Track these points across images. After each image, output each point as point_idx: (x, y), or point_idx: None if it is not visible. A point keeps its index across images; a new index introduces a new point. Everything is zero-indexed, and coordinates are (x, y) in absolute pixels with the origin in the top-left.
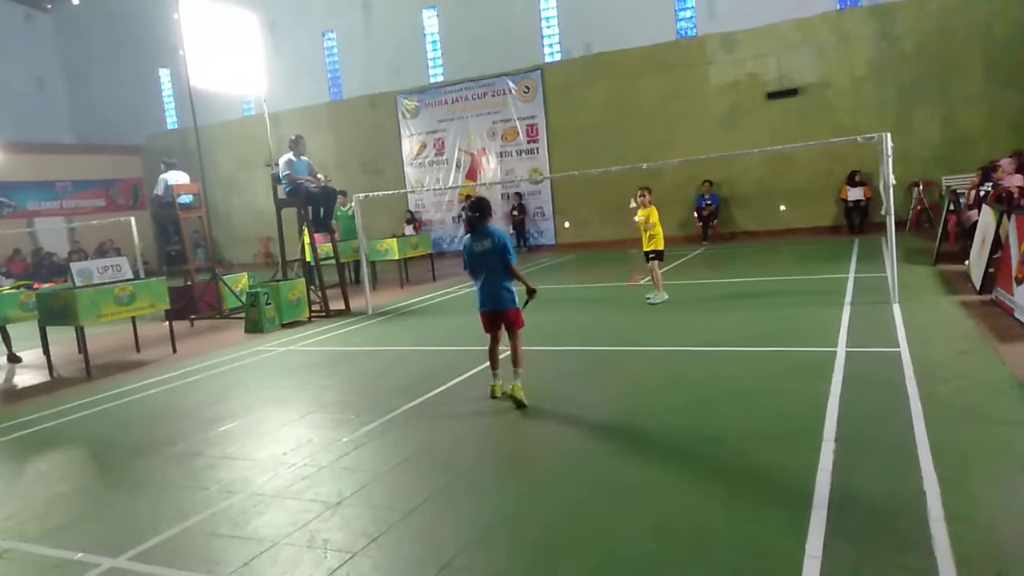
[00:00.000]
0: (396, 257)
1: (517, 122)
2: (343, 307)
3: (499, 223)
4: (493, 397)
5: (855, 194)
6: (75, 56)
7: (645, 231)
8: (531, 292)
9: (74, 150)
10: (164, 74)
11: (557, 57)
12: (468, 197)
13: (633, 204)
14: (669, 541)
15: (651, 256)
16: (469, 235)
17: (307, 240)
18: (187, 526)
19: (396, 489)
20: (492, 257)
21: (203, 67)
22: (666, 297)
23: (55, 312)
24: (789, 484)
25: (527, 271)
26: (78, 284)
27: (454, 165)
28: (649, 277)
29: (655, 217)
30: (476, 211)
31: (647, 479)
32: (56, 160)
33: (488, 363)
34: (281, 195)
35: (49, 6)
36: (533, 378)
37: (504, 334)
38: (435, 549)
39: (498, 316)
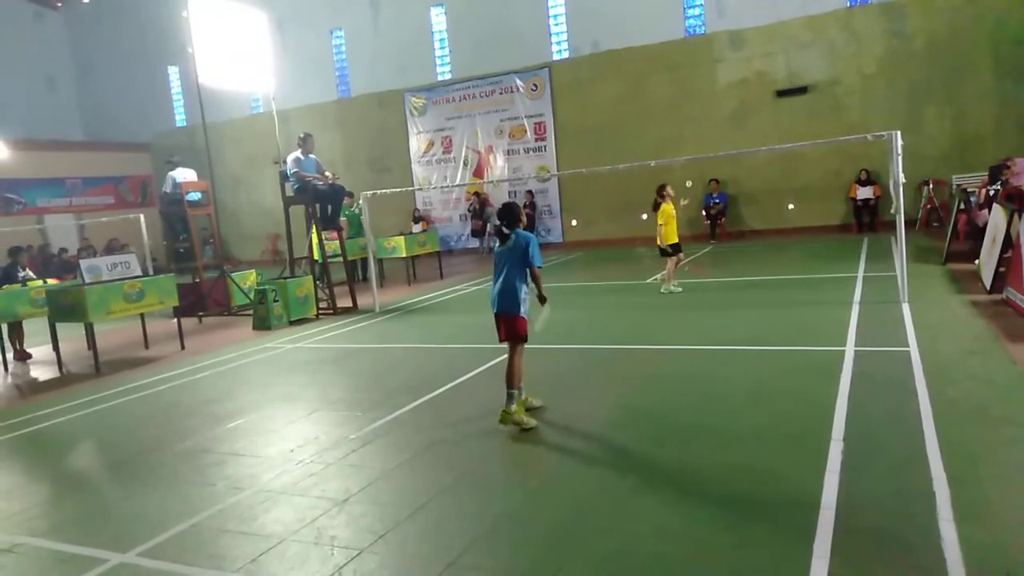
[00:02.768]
0: (403, 255)
1: (525, 120)
2: (350, 304)
3: None
4: (504, 422)
5: (864, 193)
6: (85, 54)
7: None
8: (541, 299)
9: (83, 147)
10: (173, 72)
11: (565, 55)
12: (476, 195)
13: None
14: (674, 540)
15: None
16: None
17: (315, 238)
18: (195, 522)
19: (403, 487)
20: (511, 254)
21: (212, 65)
22: (674, 289)
23: (65, 309)
24: (797, 484)
25: None
26: (87, 281)
27: (461, 163)
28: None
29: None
30: (504, 218)
31: (653, 478)
32: (65, 157)
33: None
34: (289, 193)
35: (59, 4)
36: (539, 376)
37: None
38: (441, 547)
39: (501, 320)
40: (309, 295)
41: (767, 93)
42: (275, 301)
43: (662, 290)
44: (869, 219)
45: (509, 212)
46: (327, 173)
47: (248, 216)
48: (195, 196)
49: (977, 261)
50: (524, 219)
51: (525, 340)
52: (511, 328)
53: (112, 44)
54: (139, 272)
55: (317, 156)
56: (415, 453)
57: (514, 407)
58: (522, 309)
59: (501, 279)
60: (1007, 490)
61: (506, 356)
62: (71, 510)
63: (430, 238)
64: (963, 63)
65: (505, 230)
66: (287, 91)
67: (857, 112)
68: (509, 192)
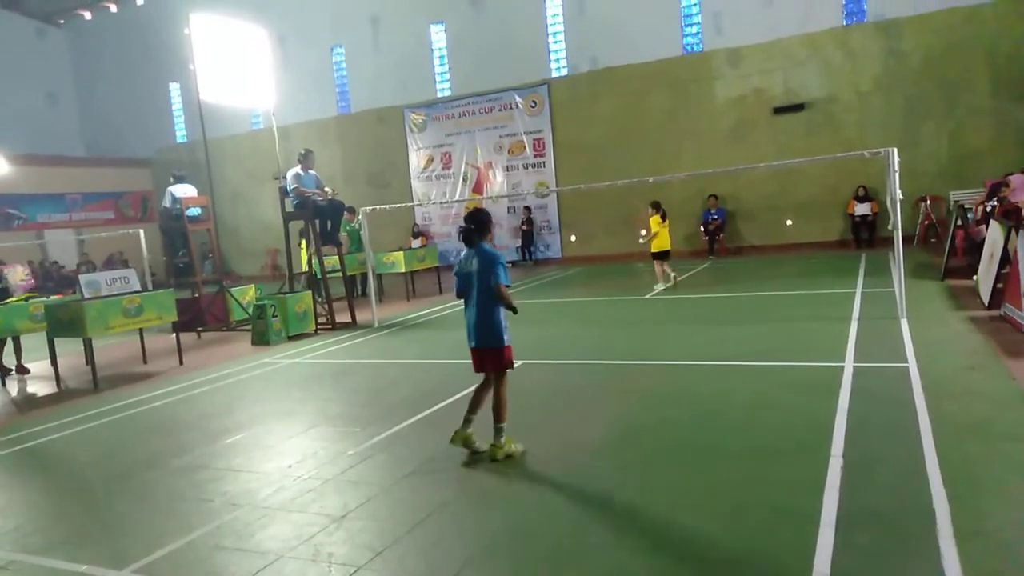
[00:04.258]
0: (403, 270)
1: (524, 136)
2: (349, 320)
3: (507, 236)
4: (453, 443)
5: (862, 209)
6: (87, 70)
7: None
8: (512, 310)
9: (84, 163)
10: (174, 88)
11: (564, 72)
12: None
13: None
14: (674, 557)
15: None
16: (464, 252)
17: (304, 252)
18: (191, 539)
19: (401, 502)
20: (479, 279)
21: (213, 81)
22: (667, 285)
23: (64, 324)
24: (796, 501)
25: (534, 284)
26: (87, 296)
27: (461, 179)
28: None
29: (654, 226)
30: (471, 222)
31: (651, 494)
32: (66, 173)
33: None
34: (289, 208)
35: (62, 21)
36: (537, 391)
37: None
38: (440, 563)
39: (483, 354)
40: (308, 310)
41: (765, 110)
42: (274, 316)
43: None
44: (867, 235)
45: (477, 218)
46: (327, 189)
47: (248, 231)
48: (195, 211)
49: (975, 277)
50: (493, 232)
51: (512, 368)
52: (496, 360)
53: (114, 60)
54: (138, 287)
55: (317, 172)
56: (414, 469)
57: (503, 440)
58: (507, 337)
59: (476, 309)
60: (1007, 507)
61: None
62: (67, 527)
63: (429, 253)
64: (959, 80)
65: (472, 237)
66: (287, 107)
67: (854, 129)
68: (508, 208)
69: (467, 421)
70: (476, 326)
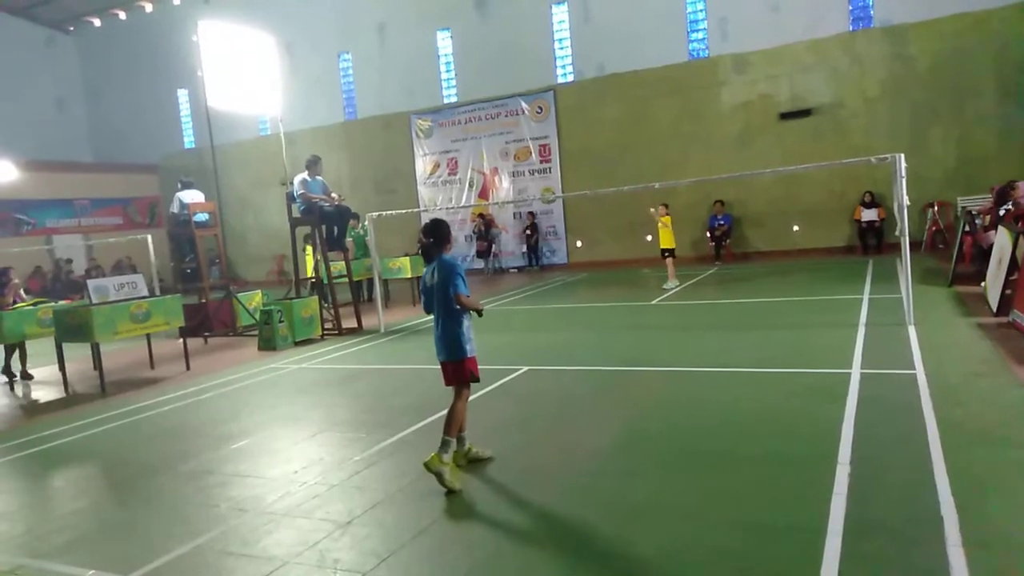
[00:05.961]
0: (409, 275)
1: (530, 142)
2: (356, 325)
3: (513, 243)
4: (456, 464)
5: (869, 215)
6: (96, 77)
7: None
8: (478, 312)
9: (93, 169)
10: (182, 94)
11: (570, 78)
12: (481, 216)
13: (652, 210)
14: (680, 563)
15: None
16: (427, 267)
17: (309, 258)
18: (198, 544)
19: (407, 509)
20: (439, 291)
21: (220, 88)
22: (676, 284)
23: (72, 329)
24: (803, 508)
25: (538, 290)
26: (95, 301)
27: (467, 184)
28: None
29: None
30: (431, 236)
31: (658, 501)
32: (75, 178)
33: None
34: (295, 214)
35: (71, 28)
36: (545, 396)
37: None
38: (445, 570)
39: (446, 367)
40: (314, 316)
41: (771, 115)
42: (280, 322)
43: (664, 286)
44: (874, 241)
45: (437, 229)
46: (333, 194)
47: (255, 237)
48: (202, 217)
49: (983, 283)
50: (452, 242)
51: (477, 381)
52: (459, 372)
53: (123, 67)
54: (146, 292)
55: (324, 178)
56: (419, 475)
57: (447, 457)
58: (468, 349)
59: (440, 321)
60: (1016, 515)
61: (514, 377)
62: (74, 532)
63: None
64: (966, 86)
65: (432, 251)
66: (295, 114)
67: (861, 134)
68: (513, 213)
69: (459, 441)
70: (440, 339)
